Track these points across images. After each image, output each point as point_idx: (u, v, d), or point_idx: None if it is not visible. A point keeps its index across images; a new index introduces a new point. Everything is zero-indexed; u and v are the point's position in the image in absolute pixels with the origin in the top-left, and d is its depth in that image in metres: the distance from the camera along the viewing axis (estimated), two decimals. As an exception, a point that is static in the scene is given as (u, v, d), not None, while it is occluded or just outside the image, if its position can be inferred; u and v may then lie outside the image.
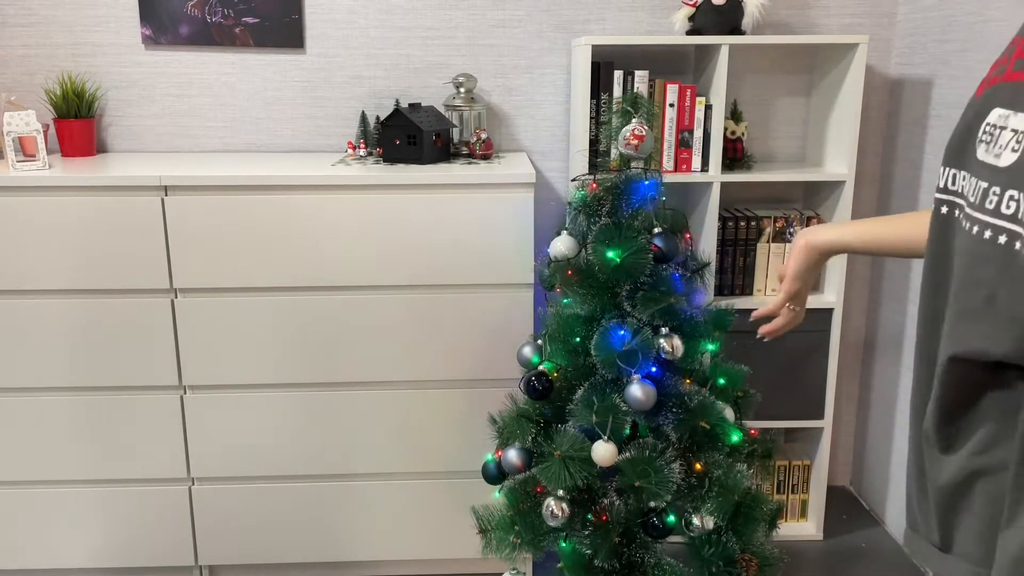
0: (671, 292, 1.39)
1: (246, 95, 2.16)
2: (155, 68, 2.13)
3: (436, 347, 1.86)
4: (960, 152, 0.73)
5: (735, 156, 2.07)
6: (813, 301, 2.06)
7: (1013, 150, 0.65)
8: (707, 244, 2.02)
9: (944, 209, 0.75)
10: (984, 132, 0.70)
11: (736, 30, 1.95)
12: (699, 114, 1.95)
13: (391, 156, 1.95)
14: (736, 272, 2.07)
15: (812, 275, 1.15)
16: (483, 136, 2.02)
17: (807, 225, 2.05)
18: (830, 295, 2.07)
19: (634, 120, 1.38)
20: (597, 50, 1.97)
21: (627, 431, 1.39)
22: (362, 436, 1.90)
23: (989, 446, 0.69)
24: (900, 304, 2.17)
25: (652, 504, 1.38)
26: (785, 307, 1.20)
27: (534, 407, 1.51)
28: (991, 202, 0.67)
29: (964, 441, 0.71)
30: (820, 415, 2.12)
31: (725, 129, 2.04)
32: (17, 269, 1.77)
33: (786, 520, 2.25)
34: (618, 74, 1.95)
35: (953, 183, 0.74)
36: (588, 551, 1.44)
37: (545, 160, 2.24)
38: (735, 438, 1.44)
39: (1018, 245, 0.64)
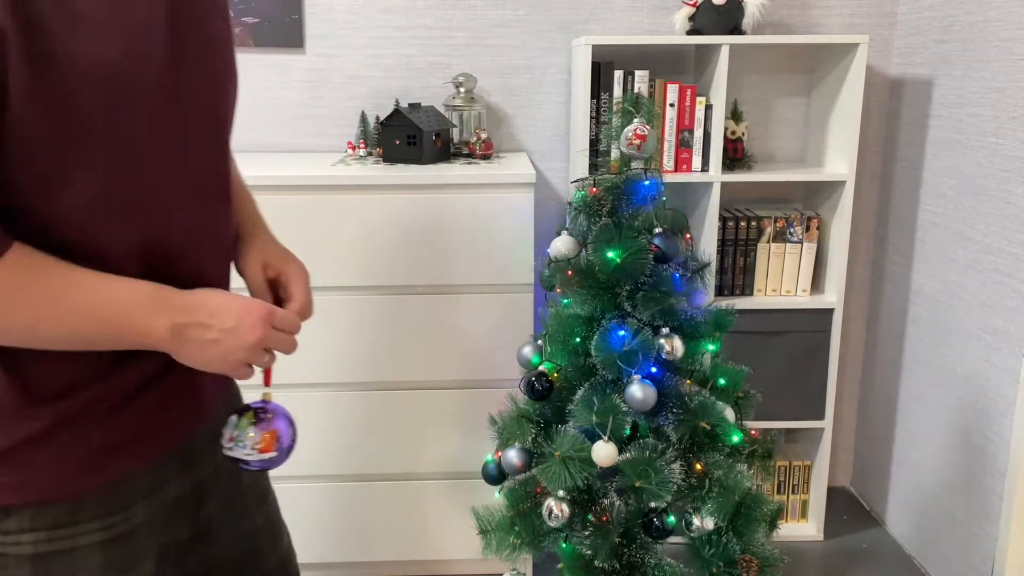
0: (671, 292, 1.39)
1: (246, 95, 2.15)
2: (155, 68, 2.13)
3: (436, 347, 1.86)
4: None
5: (735, 156, 2.07)
6: (813, 302, 2.06)
7: None
8: (707, 244, 2.01)
9: None
10: None
11: (736, 30, 1.95)
12: (699, 114, 1.95)
13: (391, 156, 1.94)
14: (736, 272, 2.07)
15: None
16: (483, 136, 2.02)
17: (807, 226, 2.05)
18: (830, 295, 2.07)
19: (635, 120, 1.38)
20: (597, 50, 1.97)
21: (627, 431, 1.38)
22: (361, 437, 1.90)
23: None
24: (900, 304, 2.17)
25: (652, 504, 1.38)
26: None
27: (534, 407, 1.51)
28: None
29: None
30: (820, 415, 2.12)
31: (725, 129, 2.04)
32: (17, 269, 1.77)
33: (787, 521, 2.25)
34: (618, 74, 1.95)
35: None
36: (588, 552, 1.44)
37: (545, 160, 2.24)
38: (735, 438, 1.43)
39: None
